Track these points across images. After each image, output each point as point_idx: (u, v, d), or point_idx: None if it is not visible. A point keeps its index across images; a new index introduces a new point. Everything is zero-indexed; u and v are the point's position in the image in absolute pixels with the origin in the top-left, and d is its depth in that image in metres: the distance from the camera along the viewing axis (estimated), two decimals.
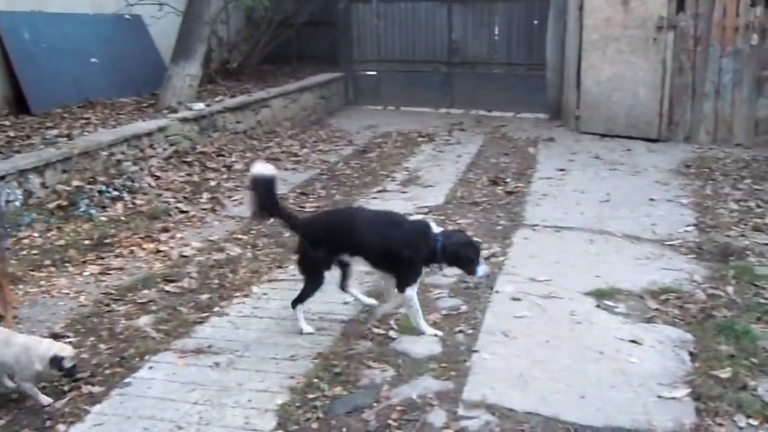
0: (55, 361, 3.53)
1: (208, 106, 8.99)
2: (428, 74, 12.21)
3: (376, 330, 4.31)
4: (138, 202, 6.78)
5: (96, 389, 3.73)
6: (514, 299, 4.68)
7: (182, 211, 6.67)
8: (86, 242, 5.77)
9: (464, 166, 8.43)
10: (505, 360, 3.93)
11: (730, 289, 4.77)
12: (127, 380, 3.82)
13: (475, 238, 5.29)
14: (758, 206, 6.57)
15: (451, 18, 11.87)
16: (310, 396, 3.62)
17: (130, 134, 7.46)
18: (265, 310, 4.66)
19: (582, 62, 9.84)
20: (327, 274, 4.25)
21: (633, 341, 4.10)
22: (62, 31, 9.26)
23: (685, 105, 9.33)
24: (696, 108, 9.28)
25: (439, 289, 4.84)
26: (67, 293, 4.94)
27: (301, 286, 4.31)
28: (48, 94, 8.68)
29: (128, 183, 7.06)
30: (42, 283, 5.09)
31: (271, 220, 4.66)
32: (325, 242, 4.16)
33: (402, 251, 4.06)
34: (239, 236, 6.08)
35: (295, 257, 4.34)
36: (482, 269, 4.13)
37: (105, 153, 7.05)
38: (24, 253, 5.52)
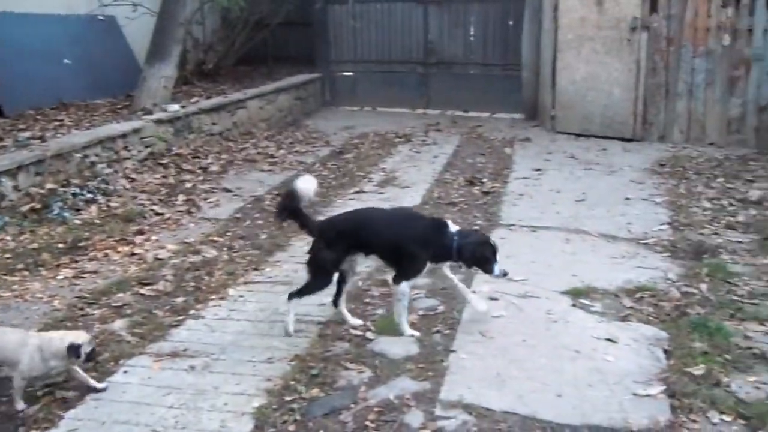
0: (73, 350, 3.52)
1: (183, 107, 8.92)
2: (405, 75, 12.25)
3: (353, 331, 4.30)
4: (113, 204, 6.70)
5: (70, 394, 3.68)
6: (491, 299, 4.69)
7: (157, 214, 6.62)
8: (60, 245, 5.70)
9: (441, 167, 8.46)
10: (482, 360, 3.94)
11: (703, 286, 4.82)
12: (101, 385, 3.77)
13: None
14: (731, 204, 6.66)
15: (427, 19, 11.91)
16: (287, 398, 3.60)
17: (105, 136, 7.37)
18: (242, 313, 4.63)
19: (557, 62, 9.91)
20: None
21: (609, 340, 4.12)
22: (34, 31, 9.11)
23: (659, 105, 9.43)
24: (670, 108, 9.39)
25: (417, 289, 4.83)
26: (41, 297, 4.87)
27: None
28: (20, 95, 8.56)
29: (102, 185, 6.97)
30: (15, 287, 5.01)
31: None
32: (342, 241, 4.17)
33: (410, 245, 4.10)
34: (215, 238, 6.05)
35: (306, 258, 4.32)
36: (499, 268, 4.14)
37: (79, 155, 6.95)
38: None
